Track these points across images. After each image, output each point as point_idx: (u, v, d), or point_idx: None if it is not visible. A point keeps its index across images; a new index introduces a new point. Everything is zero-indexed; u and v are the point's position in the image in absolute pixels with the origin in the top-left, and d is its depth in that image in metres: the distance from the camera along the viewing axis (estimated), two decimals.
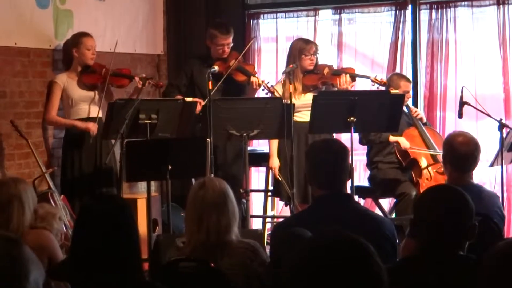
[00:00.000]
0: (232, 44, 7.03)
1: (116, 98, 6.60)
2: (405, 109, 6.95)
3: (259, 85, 6.74)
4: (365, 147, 7.22)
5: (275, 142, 6.82)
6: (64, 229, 5.23)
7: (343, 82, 6.69)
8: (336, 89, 6.77)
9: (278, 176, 6.76)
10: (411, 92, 7.20)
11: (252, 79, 6.80)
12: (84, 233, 2.96)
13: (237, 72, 6.89)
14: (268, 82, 6.72)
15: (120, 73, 6.81)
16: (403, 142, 6.86)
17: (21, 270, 2.02)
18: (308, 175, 4.01)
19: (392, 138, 6.88)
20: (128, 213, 3.03)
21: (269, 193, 7.57)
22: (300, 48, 6.84)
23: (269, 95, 6.66)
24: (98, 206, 3.00)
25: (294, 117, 6.52)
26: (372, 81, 6.74)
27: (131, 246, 2.94)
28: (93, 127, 6.57)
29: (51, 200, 6.16)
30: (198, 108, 6.61)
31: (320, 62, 6.93)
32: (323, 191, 3.78)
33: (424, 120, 7.15)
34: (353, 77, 6.82)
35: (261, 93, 6.97)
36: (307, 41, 7.02)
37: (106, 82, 6.64)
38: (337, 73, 6.87)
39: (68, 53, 6.81)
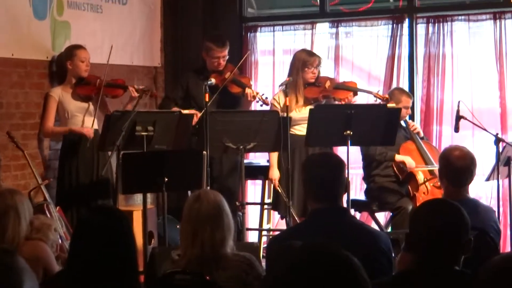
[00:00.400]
0: (228, 57, 7.04)
1: (112, 109, 6.59)
2: (402, 123, 6.95)
3: (254, 97, 6.73)
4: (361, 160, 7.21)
5: (275, 154, 6.80)
6: (60, 240, 5.21)
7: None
8: (337, 103, 6.77)
9: (278, 188, 6.74)
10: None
11: (247, 90, 6.80)
12: (82, 244, 2.96)
13: (232, 84, 6.89)
14: (263, 94, 6.71)
15: (114, 83, 6.79)
16: (409, 161, 6.82)
17: (15, 280, 2.01)
18: (304, 188, 4.00)
19: (398, 158, 6.85)
20: (126, 225, 3.03)
21: (265, 206, 7.57)
22: (304, 60, 6.83)
23: (264, 107, 6.66)
24: (97, 218, 3.00)
25: (293, 130, 6.53)
26: (374, 96, 6.74)
27: (129, 258, 2.94)
28: (89, 129, 6.57)
29: (47, 212, 6.13)
30: (195, 120, 6.63)
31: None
32: (320, 205, 3.77)
33: (422, 134, 7.14)
34: (355, 91, 6.81)
35: (256, 106, 6.97)
36: (311, 54, 7.01)
37: (100, 93, 6.63)
38: (339, 87, 6.86)
39: (62, 66, 6.79)
